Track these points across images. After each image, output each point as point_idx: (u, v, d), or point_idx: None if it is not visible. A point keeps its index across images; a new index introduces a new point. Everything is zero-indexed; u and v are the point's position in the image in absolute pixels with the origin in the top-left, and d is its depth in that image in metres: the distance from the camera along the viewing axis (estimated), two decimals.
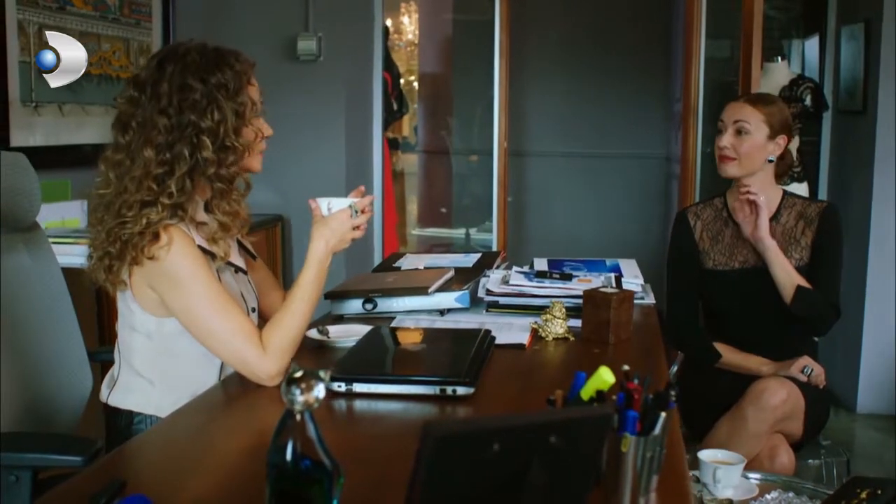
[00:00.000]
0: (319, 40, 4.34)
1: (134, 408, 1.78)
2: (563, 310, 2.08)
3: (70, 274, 2.06)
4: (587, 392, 1.20)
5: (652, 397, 1.18)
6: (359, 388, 1.63)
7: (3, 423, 1.76)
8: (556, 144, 6.27)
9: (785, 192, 2.56)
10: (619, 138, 6.17)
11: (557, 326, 2.06)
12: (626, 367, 1.21)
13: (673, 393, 1.25)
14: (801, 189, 4.17)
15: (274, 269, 4.25)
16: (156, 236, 1.68)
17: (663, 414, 1.16)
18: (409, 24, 8.33)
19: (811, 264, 2.48)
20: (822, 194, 4.64)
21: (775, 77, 4.18)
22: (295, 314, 1.75)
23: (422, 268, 2.56)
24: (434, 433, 0.96)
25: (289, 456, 1.06)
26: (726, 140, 2.48)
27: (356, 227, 1.86)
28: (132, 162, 1.71)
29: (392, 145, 7.71)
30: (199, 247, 1.73)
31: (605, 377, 1.19)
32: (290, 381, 1.06)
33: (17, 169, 1.95)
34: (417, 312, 2.25)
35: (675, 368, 2.75)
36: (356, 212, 1.85)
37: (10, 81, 3.01)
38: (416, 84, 7.77)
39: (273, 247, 4.28)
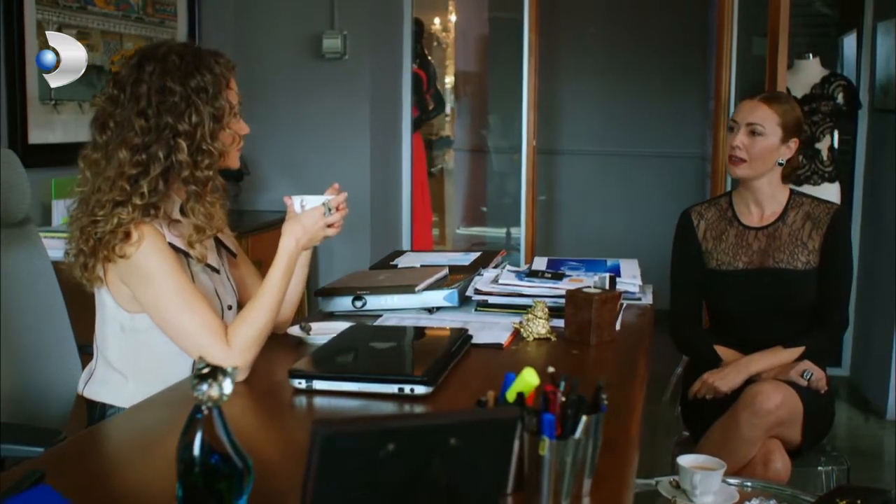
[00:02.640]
0: (344, 38, 4.36)
1: (108, 400, 1.81)
2: (546, 310, 2.05)
3: None
4: (511, 394, 1.18)
5: (575, 400, 1.15)
6: (319, 385, 1.63)
7: None
8: (592, 143, 6.22)
9: (792, 191, 2.50)
10: (656, 137, 6.10)
11: (539, 326, 2.03)
12: (551, 369, 1.19)
13: (605, 397, 1.23)
14: (832, 189, 4.08)
15: None
16: (127, 235, 1.70)
17: (584, 418, 1.13)
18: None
19: (821, 272, 2.43)
20: (858, 195, 4.53)
21: (806, 75, 4.09)
22: (261, 310, 1.75)
23: (418, 266, 2.55)
24: (322, 432, 0.96)
25: (196, 451, 1.07)
26: (739, 140, 2.42)
27: (330, 225, 1.87)
28: (107, 161, 1.73)
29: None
30: (171, 244, 1.75)
31: (528, 379, 1.17)
32: (197, 376, 1.07)
33: (8, 166, 1.99)
34: (406, 310, 2.24)
35: (679, 370, 2.70)
36: (329, 210, 1.85)
37: (29, 80, 3.08)
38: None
39: None
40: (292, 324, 2.06)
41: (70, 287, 2.13)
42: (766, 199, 2.48)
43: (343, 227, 4.92)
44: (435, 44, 8.11)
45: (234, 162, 1.87)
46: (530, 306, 2.11)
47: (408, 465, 0.99)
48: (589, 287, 2.08)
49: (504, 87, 6.61)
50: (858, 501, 1.70)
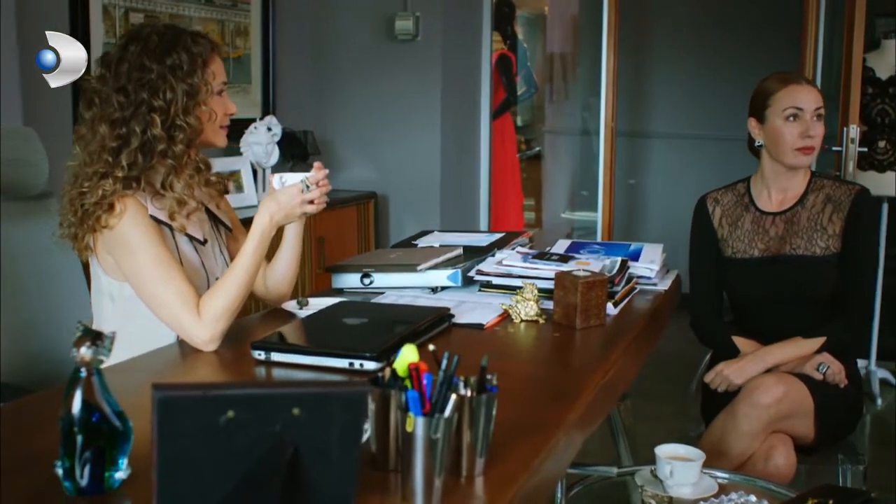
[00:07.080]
0: (417, 20, 4.39)
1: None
2: (536, 291, 2.04)
3: None
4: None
5: (447, 378, 1.16)
6: (277, 357, 1.68)
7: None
8: (685, 126, 6.04)
9: (813, 174, 2.40)
10: None
11: (528, 308, 2.02)
12: (431, 348, 1.20)
13: (491, 377, 1.23)
14: None
15: (365, 245, 4.36)
16: (111, 206, 1.79)
17: (454, 396, 1.14)
18: None
19: (842, 259, 2.31)
20: None
21: (891, 55, 3.87)
22: (232, 283, 1.81)
23: (437, 246, 2.57)
24: (158, 395, 0.99)
25: (76, 409, 1.13)
26: (815, 129, 2.32)
27: (310, 202, 1.90)
28: (92, 136, 1.84)
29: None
30: (153, 216, 1.83)
31: (405, 356, 1.18)
32: (77, 340, 1.14)
33: (25, 142, 2.12)
34: (412, 289, 2.27)
35: (707, 359, 2.63)
36: (307, 186, 1.89)
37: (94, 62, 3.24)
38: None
39: (365, 223, 4.38)
40: (291, 298, 2.13)
41: None
42: (795, 183, 2.39)
43: (413, 207, 4.94)
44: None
45: (216, 139, 1.93)
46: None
47: (250, 433, 1.01)
48: (579, 271, 2.05)
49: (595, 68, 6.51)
50: (831, 501, 1.63)
